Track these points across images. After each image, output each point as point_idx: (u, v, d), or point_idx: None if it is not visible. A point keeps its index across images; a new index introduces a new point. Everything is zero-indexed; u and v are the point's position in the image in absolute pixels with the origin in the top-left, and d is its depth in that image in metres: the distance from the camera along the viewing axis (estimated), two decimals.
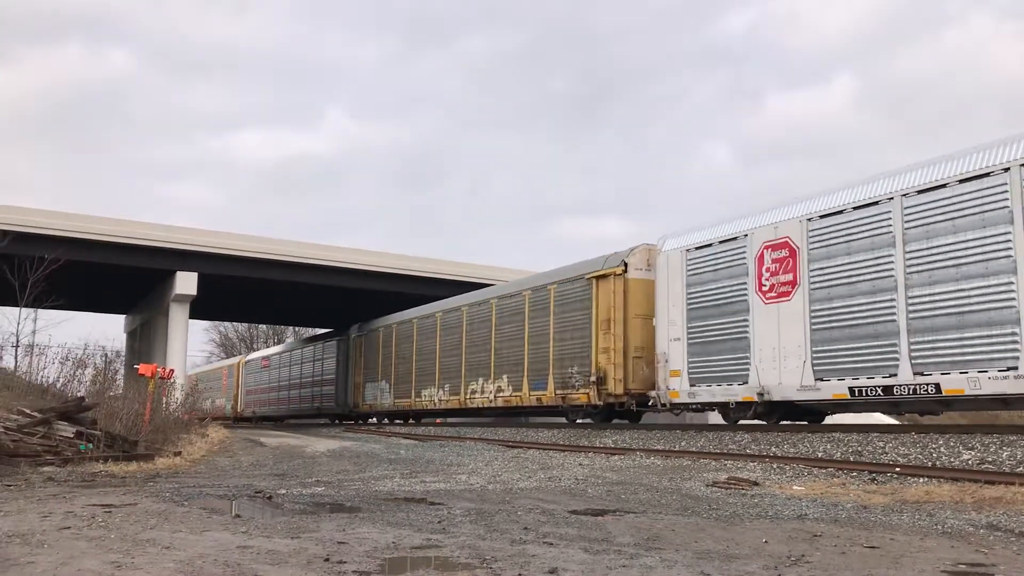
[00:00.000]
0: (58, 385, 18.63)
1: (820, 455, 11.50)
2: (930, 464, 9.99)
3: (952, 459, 10.14)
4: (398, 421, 32.35)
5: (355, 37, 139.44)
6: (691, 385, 16.51)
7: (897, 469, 9.64)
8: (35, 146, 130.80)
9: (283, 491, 9.23)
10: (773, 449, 12.45)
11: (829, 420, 15.93)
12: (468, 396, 25.53)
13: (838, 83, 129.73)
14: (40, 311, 27.55)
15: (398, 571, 4.78)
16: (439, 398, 27.49)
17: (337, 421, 38.14)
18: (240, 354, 66.86)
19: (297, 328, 67.39)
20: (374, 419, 33.98)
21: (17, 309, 26.59)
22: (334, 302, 42.83)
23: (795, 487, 9.02)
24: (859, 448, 11.48)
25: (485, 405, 24.80)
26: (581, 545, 5.45)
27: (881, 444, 11.43)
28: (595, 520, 6.70)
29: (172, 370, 23.26)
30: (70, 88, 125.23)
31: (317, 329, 53.61)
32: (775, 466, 10.85)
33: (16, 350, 25.29)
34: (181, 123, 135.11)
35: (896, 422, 19.13)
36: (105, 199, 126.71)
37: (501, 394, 23.55)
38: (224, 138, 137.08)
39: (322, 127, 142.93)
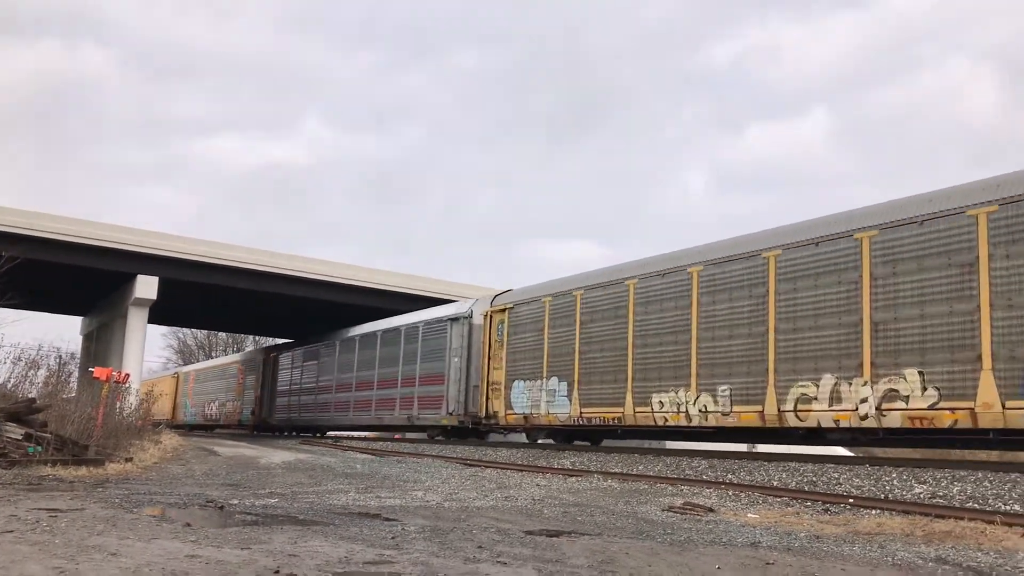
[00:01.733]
0: (9, 385, 18.21)
1: (775, 484, 11.58)
2: (883, 496, 10.10)
3: (904, 492, 10.25)
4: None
5: (341, 48, 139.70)
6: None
7: (851, 500, 9.73)
8: (2, 141, 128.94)
9: (235, 501, 9.10)
10: (729, 476, 12.52)
11: (780, 449, 16.39)
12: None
13: (814, 117, 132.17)
14: None
15: None
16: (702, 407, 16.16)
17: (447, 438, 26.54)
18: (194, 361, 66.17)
19: (257, 337, 66.73)
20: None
21: None
22: (295, 312, 42.55)
23: (750, 515, 9.07)
24: (814, 478, 11.58)
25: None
26: (535, 565, 5.42)
27: (836, 475, 11.54)
28: (550, 541, 6.67)
29: (128, 374, 22.94)
30: (43, 84, 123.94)
31: (276, 339, 53.18)
32: (731, 493, 10.90)
33: None
34: (155, 126, 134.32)
35: (851, 454, 19.37)
36: (74, 200, 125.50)
37: None
38: (198, 144, 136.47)
39: (299, 136, 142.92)
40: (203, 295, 38.49)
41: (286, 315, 44.39)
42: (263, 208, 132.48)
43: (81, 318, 48.52)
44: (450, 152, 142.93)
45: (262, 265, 35.57)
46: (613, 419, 18.26)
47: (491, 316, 22.83)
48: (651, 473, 13.56)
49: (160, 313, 39.80)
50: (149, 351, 75.78)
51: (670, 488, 11.68)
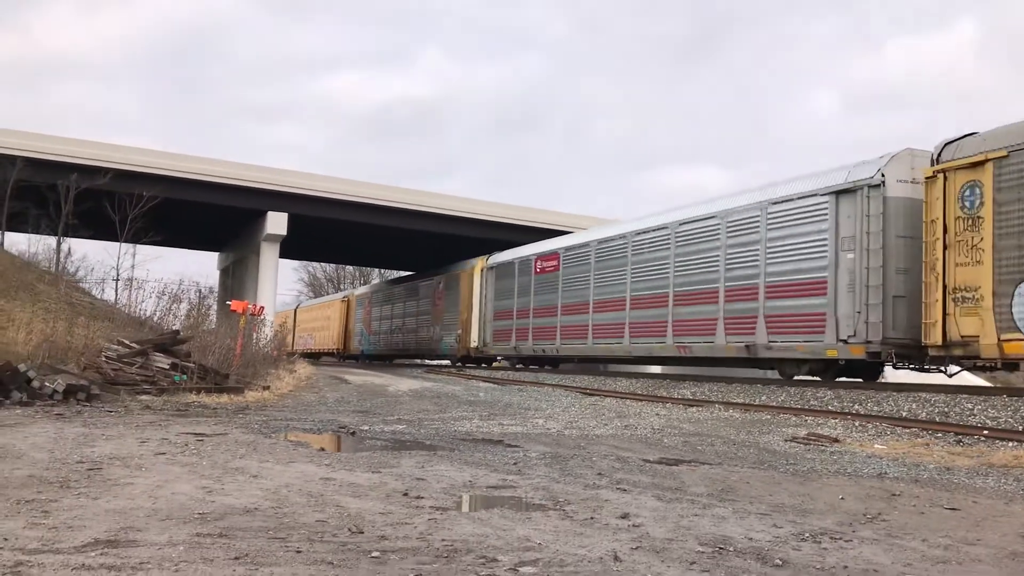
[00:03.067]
0: (155, 318, 19.39)
1: (904, 414, 11.26)
2: (1020, 428, 9.69)
3: None
4: None
5: None
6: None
7: (985, 432, 9.38)
8: (144, 86, 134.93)
9: (366, 427, 9.51)
10: (856, 407, 12.24)
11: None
12: None
13: (959, 28, 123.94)
14: (138, 247, 28.72)
15: (473, 508, 4.91)
16: None
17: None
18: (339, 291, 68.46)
19: (382, 270, 68.47)
20: None
21: (117, 244, 27.74)
22: (417, 246, 43.35)
23: (876, 446, 8.88)
24: (945, 409, 11.20)
25: None
26: (654, 493, 5.50)
27: (969, 406, 11.13)
28: (669, 469, 6.73)
29: (262, 307, 23.95)
30: (175, 27, 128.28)
31: (400, 272, 54.49)
32: (857, 424, 10.68)
33: (116, 283, 26.45)
34: (282, 65, 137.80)
35: (987, 384, 18.55)
36: (208, 140, 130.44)
37: None
38: (323, 81, 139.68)
39: (420, 70, 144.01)
40: (330, 230, 39.61)
41: (409, 248, 45.34)
42: (387, 143, 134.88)
43: (217, 254, 50.78)
44: (571, 81, 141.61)
45: (385, 200, 36.29)
46: None
47: (946, 177, 13.37)
48: (774, 403, 13.40)
49: (291, 248, 41.21)
50: (281, 284, 78.99)
51: (794, 419, 11.53)
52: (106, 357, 12.84)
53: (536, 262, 27.10)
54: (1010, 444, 8.74)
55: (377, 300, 44.71)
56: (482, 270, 31.11)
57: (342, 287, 74.20)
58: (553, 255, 26.14)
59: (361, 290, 51.66)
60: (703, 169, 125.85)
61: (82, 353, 13.09)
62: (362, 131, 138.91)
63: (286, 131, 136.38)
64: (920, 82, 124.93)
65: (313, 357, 44.79)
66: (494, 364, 31.61)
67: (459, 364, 33.03)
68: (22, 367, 10.68)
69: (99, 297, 25.09)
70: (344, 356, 47.95)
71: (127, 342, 13.62)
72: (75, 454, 6.29)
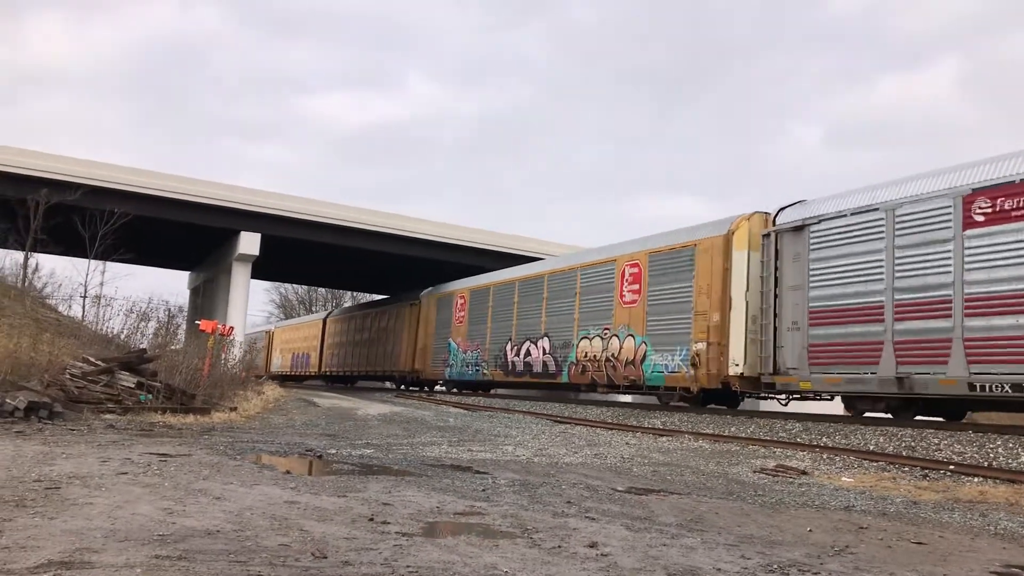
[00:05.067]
0: (122, 336, 19.11)
1: (872, 448, 11.32)
2: (986, 464, 9.77)
3: (1010, 460, 9.90)
4: None
5: (444, 3, 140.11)
6: None
7: (951, 467, 9.45)
8: (122, 101, 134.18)
9: (333, 451, 9.40)
10: (824, 439, 12.30)
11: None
12: None
13: (943, 66, 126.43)
14: (108, 264, 28.36)
15: (440, 535, 4.84)
16: None
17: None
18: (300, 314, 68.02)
19: (355, 294, 68.19)
20: None
21: (86, 260, 27.42)
22: (392, 269, 43.26)
23: (844, 478, 8.91)
24: (912, 443, 11.27)
25: None
26: (623, 522, 5.46)
27: (935, 440, 11.21)
28: (639, 499, 6.70)
29: (232, 328, 23.76)
30: (160, 43, 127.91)
31: (373, 295, 54.29)
32: (825, 456, 10.72)
33: (84, 300, 26.09)
34: (264, 84, 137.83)
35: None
36: (190, 157, 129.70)
37: None
38: (307, 100, 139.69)
39: (403, 93, 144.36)
40: (303, 251, 39.46)
41: (383, 272, 45.22)
42: (366, 164, 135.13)
43: (188, 273, 50.41)
44: (556, 109, 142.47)
45: (358, 222, 36.21)
46: None
47: None
48: (743, 435, 13.42)
49: (263, 269, 40.97)
50: (253, 305, 78.41)
51: (762, 450, 11.55)
52: (70, 375, 12.62)
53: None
54: (976, 479, 8.81)
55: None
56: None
57: (314, 309, 73.82)
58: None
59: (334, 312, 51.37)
60: (688, 199, 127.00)
61: (46, 370, 12.85)
62: (344, 151, 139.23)
63: (269, 150, 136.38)
64: (903, 117, 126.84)
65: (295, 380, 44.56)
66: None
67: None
68: None
69: (66, 314, 24.73)
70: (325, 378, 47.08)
71: (92, 360, 13.40)
72: (33, 472, 6.15)
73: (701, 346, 17.60)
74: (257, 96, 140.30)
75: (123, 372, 13.21)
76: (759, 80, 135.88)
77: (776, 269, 16.10)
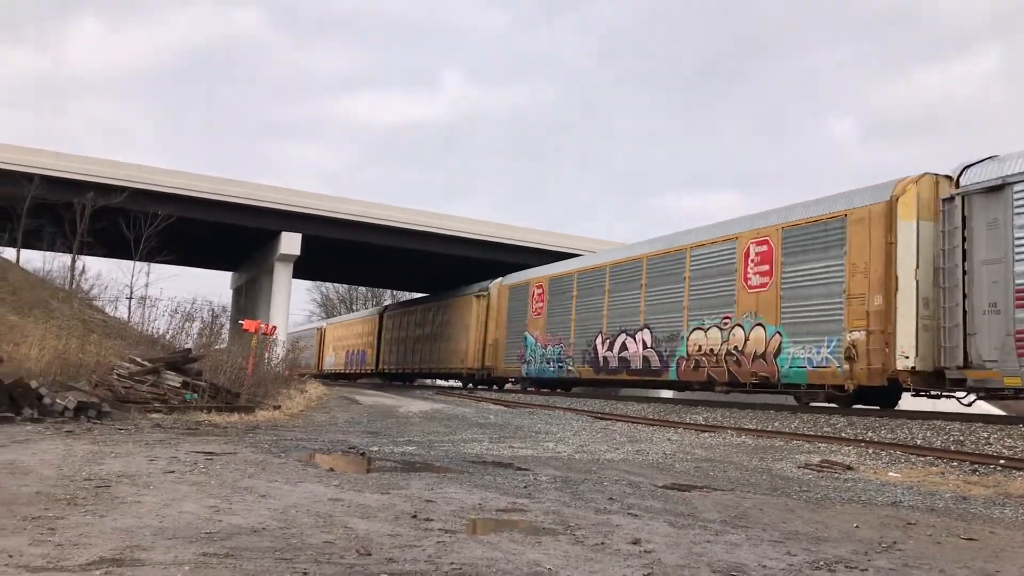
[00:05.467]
0: (167, 337, 19.43)
1: (919, 442, 11.13)
2: None
3: None
4: None
5: (479, 3, 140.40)
6: None
7: (1001, 461, 9.25)
8: (157, 103, 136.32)
9: (375, 448, 9.47)
10: (870, 434, 12.11)
11: (930, 406, 15.15)
12: None
13: (983, 55, 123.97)
14: (153, 265, 28.87)
15: (483, 532, 4.85)
16: None
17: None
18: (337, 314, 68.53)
19: (395, 292, 68.55)
20: None
21: (131, 262, 27.91)
22: (430, 268, 43.42)
23: (891, 473, 8.77)
24: (961, 437, 11.07)
25: None
26: (666, 519, 5.43)
27: (985, 435, 11.00)
28: (681, 495, 6.66)
29: (275, 327, 23.98)
30: (197, 44, 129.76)
31: (413, 293, 54.51)
32: (871, 451, 10.56)
33: (129, 301, 26.58)
34: (302, 86, 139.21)
35: (1002, 412, 18.36)
36: (227, 158, 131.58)
37: None
38: (343, 101, 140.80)
39: (440, 93, 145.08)
40: (344, 251, 39.76)
41: (422, 270, 45.41)
42: (406, 163, 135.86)
43: (231, 273, 51.03)
44: (586, 106, 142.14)
45: (397, 221, 36.43)
46: None
47: None
48: (787, 430, 13.28)
49: (304, 268, 41.36)
50: (294, 304, 79.21)
51: (807, 445, 11.42)
52: (117, 375, 12.85)
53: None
54: None
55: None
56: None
57: (354, 308, 74.37)
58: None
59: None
60: (723, 194, 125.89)
61: (94, 371, 13.10)
62: (381, 151, 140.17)
63: (306, 150, 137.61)
64: (943, 108, 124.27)
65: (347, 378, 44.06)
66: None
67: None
68: (34, 384, 10.69)
69: (112, 315, 25.19)
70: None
71: (139, 360, 13.63)
72: (83, 471, 6.27)
73: (858, 335, 14.88)
74: (292, 97, 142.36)
75: (169, 372, 13.42)
76: (792, 71, 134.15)
77: (964, 240, 13.23)
